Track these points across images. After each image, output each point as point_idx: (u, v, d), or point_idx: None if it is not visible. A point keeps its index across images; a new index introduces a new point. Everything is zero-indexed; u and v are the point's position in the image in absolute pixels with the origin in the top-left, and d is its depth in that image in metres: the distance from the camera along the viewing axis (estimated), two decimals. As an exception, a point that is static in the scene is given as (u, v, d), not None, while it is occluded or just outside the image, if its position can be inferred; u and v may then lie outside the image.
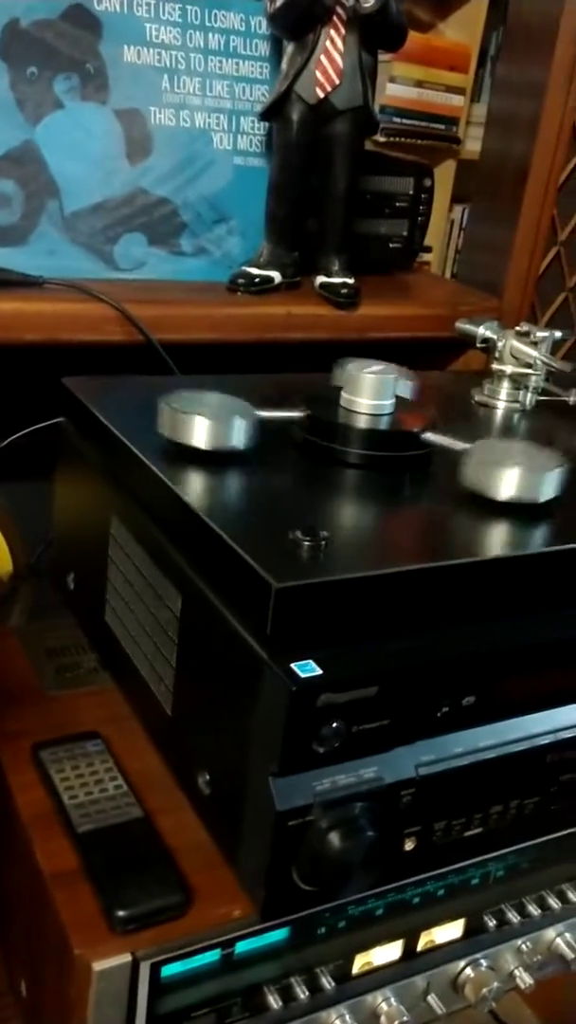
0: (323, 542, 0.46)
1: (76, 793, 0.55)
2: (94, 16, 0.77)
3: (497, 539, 0.52)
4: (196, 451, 0.55)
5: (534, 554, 0.51)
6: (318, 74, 0.78)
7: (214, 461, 0.55)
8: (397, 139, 2.11)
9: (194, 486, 0.53)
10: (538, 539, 0.52)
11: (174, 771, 0.56)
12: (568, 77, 0.90)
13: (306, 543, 0.45)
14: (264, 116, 0.82)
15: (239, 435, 0.55)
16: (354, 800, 0.47)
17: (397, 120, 2.09)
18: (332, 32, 0.77)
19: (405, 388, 0.66)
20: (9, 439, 0.76)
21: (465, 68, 2.17)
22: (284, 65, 0.80)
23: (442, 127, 2.18)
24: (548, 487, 0.52)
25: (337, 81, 0.78)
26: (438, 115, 2.16)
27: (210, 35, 0.82)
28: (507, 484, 0.52)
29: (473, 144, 2.14)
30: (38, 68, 0.76)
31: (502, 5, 1.89)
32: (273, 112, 0.81)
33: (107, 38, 0.78)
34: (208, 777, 0.51)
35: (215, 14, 0.82)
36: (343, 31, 0.77)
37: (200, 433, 0.54)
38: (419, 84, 2.10)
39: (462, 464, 0.54)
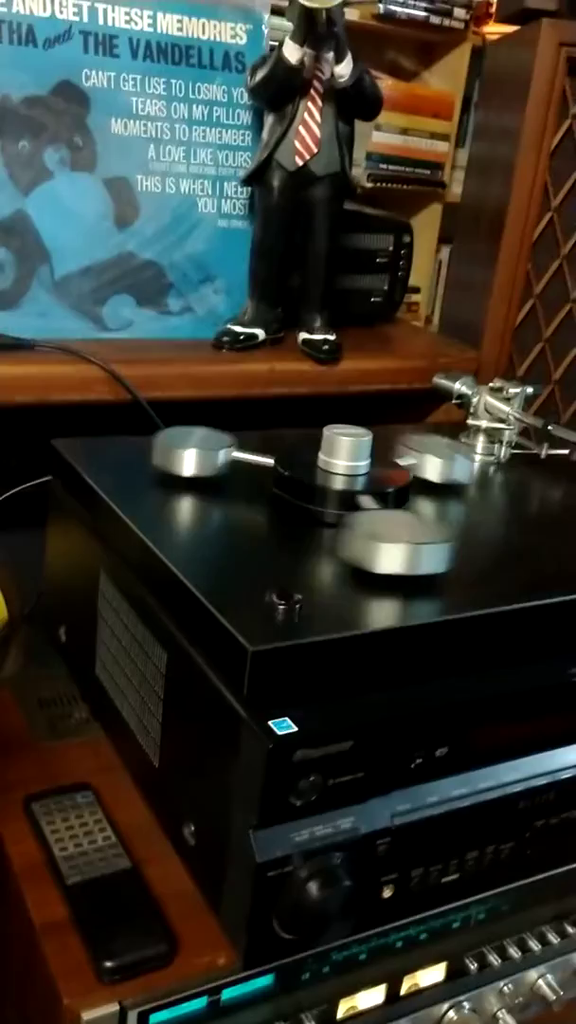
0: (297, 605, 0.48)
1: (66, 845, 0.57)
2: (82, 91, 0.81)
3: (460, 600, 0.54)
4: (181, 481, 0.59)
5: (496, 612, 0.53)
6: (297, 143, 0.82)
7: (196, 488, 0.58)
8: (383, 185, 2.15)
9: (175, 547, 0.56)
10: (498, 599, 0.54)
11: (161, 821, 0.58)
12: (541, 123, 0.93)
13: (280, 606, 0.47)
14: (246, 182, 0.86)
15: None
16: (331, 850, 0.49)
17: (383, 166, 2.14)
18: (310, 104, 0.81)
19: (463, 468, 0.68)
20: (1, 497, 0.78)
21: (449, 115, 2.22)
22: (265, 135, 0.84)
23: (427, 172, 2.23)
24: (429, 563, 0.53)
25: (315, 149, 0.82)
26: (423, 160, 2.21)
27: (194, 106, 0.86)
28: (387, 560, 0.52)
29: (458, 187, 2.19)
30: (29, 141, 0.80)
31: (484, 54, 1.95)
32: (255, 178, 0.85)
33: (95, 111, 0.82)
34: (193, 828, 0.53)
35: (198, 87, 0.86)
36: (320, 103, 0.81)
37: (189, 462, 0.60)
38: (404, 131, 2.16)
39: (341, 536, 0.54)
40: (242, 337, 0.87)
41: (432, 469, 0.66)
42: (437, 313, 2.31)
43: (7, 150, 0.79)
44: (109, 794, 0.64)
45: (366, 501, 0.58)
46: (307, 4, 0.73)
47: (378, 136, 2.10)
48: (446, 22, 2.10)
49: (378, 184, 2.13)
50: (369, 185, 2.11)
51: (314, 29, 0.77)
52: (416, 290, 2.34)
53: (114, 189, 0.84)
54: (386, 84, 2.14)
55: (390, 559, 0.51)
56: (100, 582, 0.64)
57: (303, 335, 0.89)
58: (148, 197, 0.85)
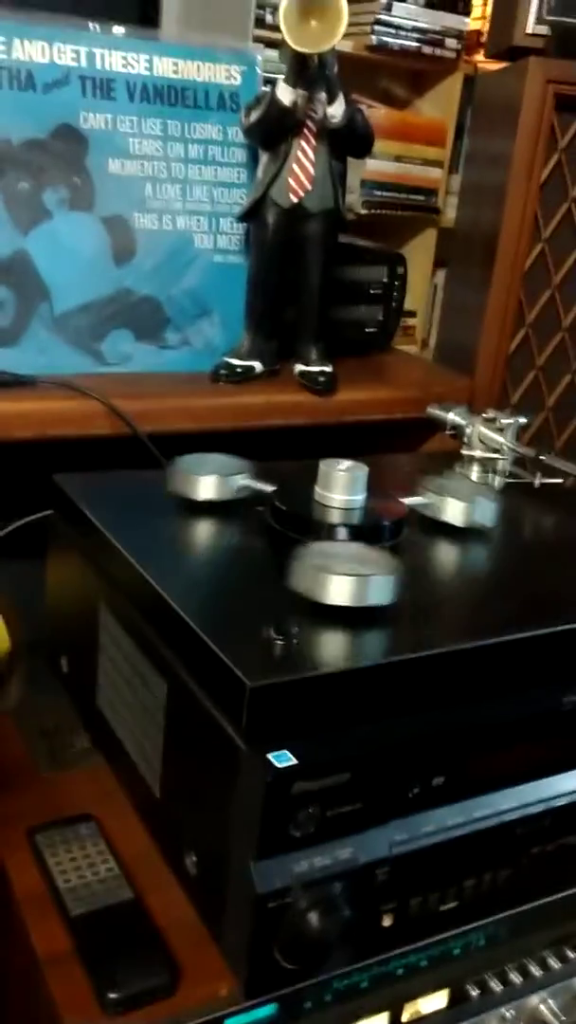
0: (294, 639, 0.49)
1: (69, 877, 0.58)
2: (81, 134, 0.83)
3: (456, 631, 0.55)
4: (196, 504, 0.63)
5: (491, 644, 0.54)
6: (291, 181, 0.84)
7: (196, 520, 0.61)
8: (378, 211, 2.18)
9: (174, 581, 0.57)
10: (493, 629, 0.55)
11: (163, 851, 0.58)
12: (530, 156, 0.95)
13: (278, 641, 0.49)
14: (242, 218, 0.88)
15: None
16: (331, 880, 0.49)
17: (378, 193, 2.17)
18: (303, 143, 0.83)
19: (486, 511, 0.68)
20: (3, 531, 0.79)
21: (442, 142, 2.25)
22: (260, 173, 0.86)
23: (421, 198, 2.25)
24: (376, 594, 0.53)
25: (309, 187, 0.84)
26: (417, 187, 2.24)
27: (190, 145, 0.88)
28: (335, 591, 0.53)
29: (452, 212, 2.22)
30: (29, 182, 0.82)
31: (475, 82, 1.98)
32: (250, 215, 0.86)
33: (93, 152, 0.84)
34: (195, 858, 0.53)
35: (194, 126, 0.88)
36: (313, 142, 0.83)
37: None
38: (398, 159, 2.18)
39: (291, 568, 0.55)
40: (239, 370, 0.88)
41: (453, 512, 0.66)
42: (433, 336, 2.33)
43: (7, 191, 0.81)
44: (111, 824, 0.64)
45: (340, 533, 0.60)
46: (299, 49, 0.75)
47: (372, 164, 2.13)
48: (438, 52, 2.14)
49: (373, 211, 2.16)
50: (364, 212, 2.14)
51: (306, 72, 0.79)
52: (412, 314, 2.37)
53: (112, 227, 0.85)
54: (380, 113, 2.18)
55: (337, 591, 0.52)
56: (101, 614, 0.65)
57: (299, 367, 0.91)
58: (145, 234, 0.87)
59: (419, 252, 2.36)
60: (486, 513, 0.67)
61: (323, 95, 0.81)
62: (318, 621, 0.54)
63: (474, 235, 1.03)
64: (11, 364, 0.82)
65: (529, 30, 0.95)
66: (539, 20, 0.94)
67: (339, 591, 0.52)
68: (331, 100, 0.81)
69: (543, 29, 0.94)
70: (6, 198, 0.81)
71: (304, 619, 0.53)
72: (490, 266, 0.98)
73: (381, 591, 0.53)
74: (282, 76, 0.80)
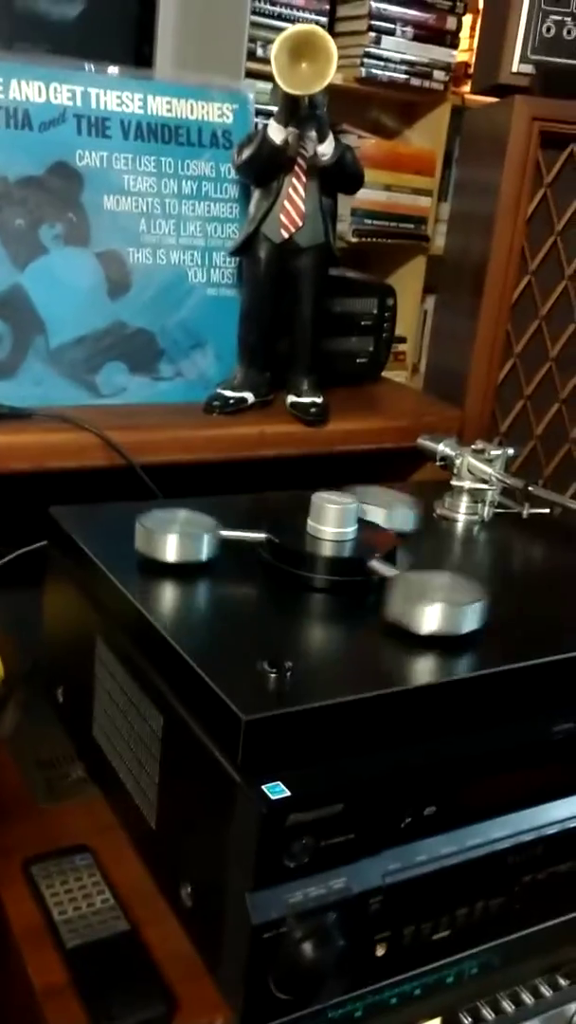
0: (287, 673, 0.50)
1: (65, 909, 0.58)
2: (76, 171, 0.85)
3: (447, 662, 0.56)
4: (167, 566, 0.61)
5: (482, 675, 0.55)
6: (282, 217, 0.85)
7: (185, 580, 0.60)
8: (369, 239, 2.21)
9: (169, 614, 0.58)
10: (484, 661, 0.57)
11: (158, 882, 0.59)
12: (517, 192, 0.97)
13: (272, 675, 0.49)
14: (234, 253, 0.90)
15: (206, 549, 0.62)
16: (325, 911, 0.50)
17: (368, 222, 2.20)
18: (294, 180, 0.85)
19: (406, 518, 0.72)
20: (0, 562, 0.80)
21: (431, 171, 2.29)
22: (252, 209, 0.87)
23: (411, 226, 2.29)
24: (470, 621, 0.57)
25: (300, 223, 0.86)
26: (407, 215, 2.27)
27: (183, 182, 0.90)
28: (429, 620, 0.56)
29: (442, 240, 2.25)
30: (25, 219, 0.83)
31: (463, 112, 2.01)
32: (243, 250, 0.88)
33: (88, 189, 0.85)
34: (190, 889, 0.54)
35: (187, 163, 0.90)
36: (304, 179, 0.85)
37: (170, 548, 0.61)
38: (387, 188, 2.22)
39: (386, 597, 0.57)
40: (232, 401, 0.90)
41: (376, 517, 0.70)
42: (424, 361, 2.35)
43: (4, 228, 0.82)
44: (107, 855, 0.65)
45: (379, 566, 0.61)
46: (289, 91, 0.77)
47: (362, 193, 2.15)
48: (426, 84, 2.18)
49: (363, 239, 2.19)
50: (354, 240, 2.17)
51: (297, 111, 0.81)
52: (402, 340, 2.39)
53: (107, 262, 0.87)
54: (370, 143, 2.21)
55: (431, 619, 0.55)
56: (96, 646, 0.65)
57: (291, 398, 0.92)
58: (140, 269, 0.88)
59: (409, 279, 2.39)
60: (406, 519, 0.71)
61: (313, 134, 0.83)
62: (317, 653, 0.55)
63: (463, 263, 1.05)
64: (7, 396, 0.83)
65: (514, 69, 0.97)
66: (523, 59, 0.97)
67: (432, 620, 0.55)
68: (321, 139, 0.82)
69: (528, 68, 0.96)
70: (3, 234, 0.82)
71: (304, 651, 0.54)
72: (478, 294, 1.00)
73: (474, 617, 0.57)
74: (273, 115, 0.82)
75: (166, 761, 0.56)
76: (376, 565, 0.61)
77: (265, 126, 0.83)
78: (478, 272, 1.00)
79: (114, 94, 0.86)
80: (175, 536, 0.62)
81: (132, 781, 0.61)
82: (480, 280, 0.99)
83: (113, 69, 0.86)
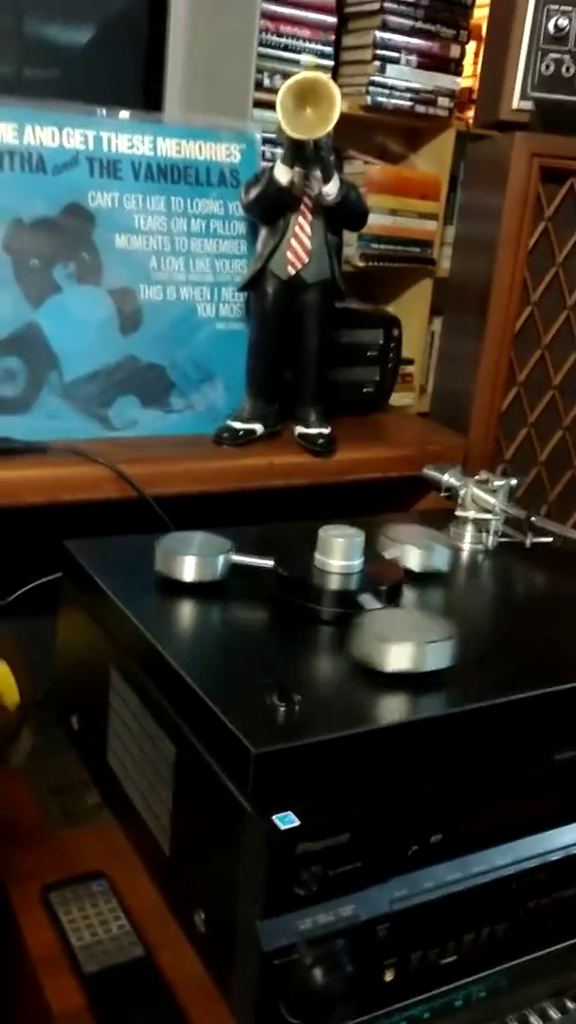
0: (296, 706, 0.52)
1: (83, 935, 0.60)
2: (88, 211, 0.87)
3: (451, 694, 0.58)
4: (183, 586, 0.64)
5: (486, 706, 0.57)
6: (289, 254, 0.88)
7: (198, 594, 0.63)
8: (375, 263, 2.23)
9: (181, 647, 0.60)
10: (487, 691, 0.58)
11: (172, 908, 0.60)
12: (518, 225, 1.00)
13: (281, 708, 0.51)
14: (242, 289, 0.92)
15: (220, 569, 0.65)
16: (334, 937, 0.51)
17: (375, 246, 2.22)
18: (300, 218, 0.87)
19: (442, 557, 0.73)
20: (15, 594, 0.82)
21: (436, 196, 2.31)
22: (259, 246, 0.90)
23: (417, 250, 2.30)
24: (435, 660, 0.57)
25: (306, 260, 0.88)
26: (413, 239, 2.29)
27: (192, 220, 0.92)
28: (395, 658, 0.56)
29: (447, 263, 2.26)
30: (39, 258, 0.86)
31: (468, 138, 2.04)
32: (250, 285, 0.91)
33: (100, 229, 0.88)
34: (203, 916, 0.56)
35: (196, 202, 0.92)
36: (310, 217, 0.87)
37: (188, 568, 0.64)
38: (393, 212, 2.24)
39: (350, 636, 0.58)
40: (241, 433, 0.92)
41: (413, 559, 0.70)
42: (431, 382, 2.37)
43: (19, 268, 0.85)
44: (122, 881, 0.66)
45: (367, 600, 0.62)
46: (295, 135, 0.79)
47: (369, 217, 2.18)
48: (431, 110, 2.20)
49: (370, 263, 2.21)
50: (361, 264, 2.19)
51: (302, 153, 0.83)
52: (410, 361, 2.41)
53: (119, 299, 0.89)
54: (375, 168, 2.24)
55: (398, 658, 0.55)
56: (111, 675, 0.67)
57: (299, 429, 0.94)
58: (151, 305, 0.91)
59: (416, 301, 2.41)
60: (442, 559, 0.72)
61: (319, 174, 0.85)
62: (325, 685, 0.57)
63: (467, 286, 1.07)
64: (23, 430, 0.85)
65: (515, 105, 0.99)
66: (523, 96, 0.99)
67: (399, 659, 0.56)
68: (326, 179, 0.85)
69: (528, 104, 0.99)
70: (18, 274, 0.85)
71: (312, 683, 0.56)
72: (483, 315, 1.02)
73: (442, 656, 0.57)
74: (279, 157, 0.85)
75: (179, 790, 0.58)
76: (366, 600, 0.63)
77: (271, 166, 0.86)
78: (482, 294, 1.02)
79: (125, 137, 0.88)
80: (193, 557, 0.66)
81: (146, 808, 0.63)
82: (484, 302, 1.01)
83: (124, 113, 0.88)
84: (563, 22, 0.97)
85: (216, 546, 0.68)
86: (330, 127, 0.79)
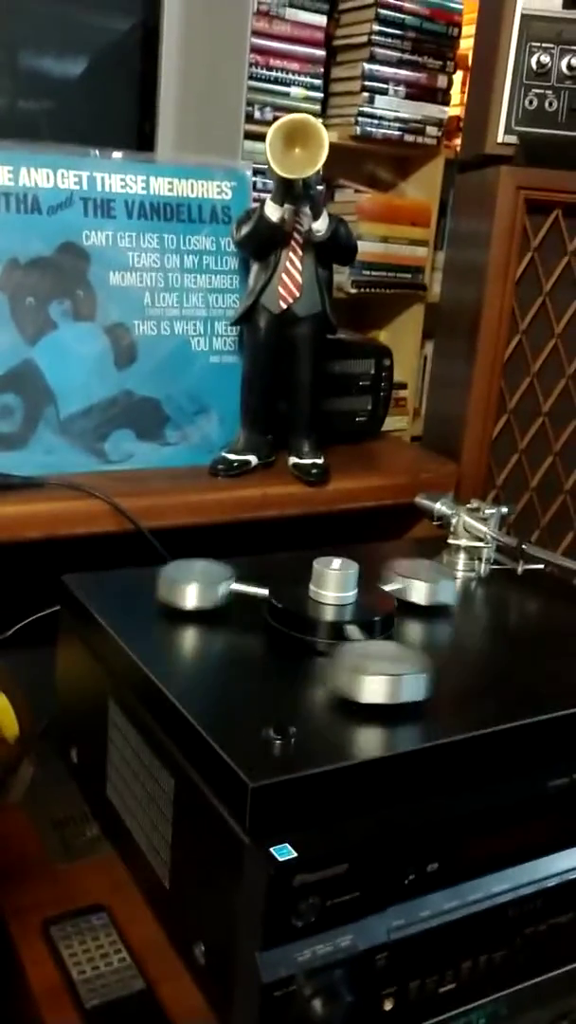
0: (292, 739, 0.53)
1: (84, 968, 0.60)
2: (83, 250, 0.89)
3: (445, 723, 0.59)
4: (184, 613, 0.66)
5: (479, 735, 0.58)
6: (281, 289, 0.89)
7: (198, 621, 0.64)
8: (367, 290, 2.26)
9: (178, 680, 0.61)
10: (481, 720, 0.59)
11: (172, 941, 0.61)
12: (505, 257, 1.01)
13: (277, 741, 0.52)
14: (235, 323, 0.94)
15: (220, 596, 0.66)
16: (333, 968, 0.52)
17: (367, 273, 2.25)
18: (291, 254, 0.89)
19: (448, 591, 0.74)
20: (14, 628, 0.83)
21: (426, 222, 2.34)
22: (251, 281, 0.92)
23: (408, 276, 2.34)
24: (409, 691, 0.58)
25: (297, 294, 0.90)
26: (404, 265, 2.32)
27: (185, 256, 0.94)
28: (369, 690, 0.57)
29: (439, 288, 2.29)
30: (35, 297, 0.87)
31: (456, 166, 2.08)
32: (243, 320, 0.92)
33: (95, 267, 0.89)
34: (203, 948, 0.56)
35: (189, 239, 0.94)
36: (300, 252, 0.89)
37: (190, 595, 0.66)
38: (384, 240, 2.27)
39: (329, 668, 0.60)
40: (236, 464, 0.93)
41: (418, 593, 0.71)
42: (424, 406, 2.40)
43: (15, 306, 0.86)
44: (123, 914, 0.67)
45: (352, 632, 0.63)
46: (284, 175, 0.81)
47: (360, 245, 2.20)
48: (419, 139, 2.24)
49: (362, 290, 2.24)
50: (353, 291, 2.22)
51: (292, 191, 0.85)
52: (403, 386, 2.44)
53: (114, 335, 0.91)
54: (366, 196, 2.27)
55: (372, 690, 0.56)
56: (109, 708, 0.68)
57: (293, 459, 0.95)
58: (145, 340, 0.92)
59: (408, 326, 2.44)
60: (448, 592, 0.73)
61: (308, 210, 0.87)
62: (320, 716, 0.58)
63: (457, 312, 1.09)
64: (20, 465, 0.86)
65: (499, 139, 1.01)
66: (508, 130, 1.01)
67: (374, 691, 0.56)
68: (316, 216, 0.87)
69: (512, 138, 1.01)
70: (14, 312, 0.86)
71: (307, 715, 0.57)
72: (473, 341, 1.04)
73: (415, 688, 0.57)
74: (270, 195, 0.86)
75: (178, 822, 0.59)
76: (351, 631, 0.64)
77: (262, 204, 0.87)
78: (472, 320, 1.04)
79: (118, 177, 0.90)
80: (195, 584, 0.68)
81: (146, 841, 0.63)
82: (474, 327, 1.03)
83: (117, 153, 0.90)
84: (545, 59, 0.99)
85: (217, 574, 0.69)
86: (318, 167, 0.81)
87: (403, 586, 0.72)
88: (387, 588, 0.72)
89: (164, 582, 0.69)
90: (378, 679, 0.56)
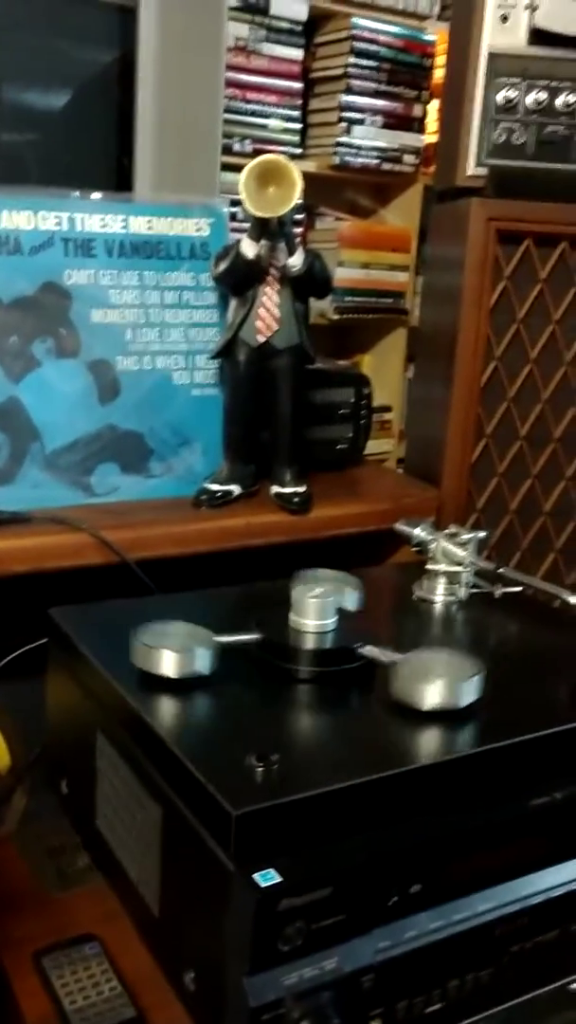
0: (274, 766, 0.54)
1: (75, 998, 0.61)
2: (65, 289, 0.91)
3: (427, 745, 0.60)
4: (165, 679, 0.64)
5: (460, 756, 0.59)
6: (259, 323, 0.92)
7: (180, 687, 0.64)
8: (350, 315, 2.29)
9: (162, 712, 0.62)
10: (462, 742, 0.60)
11: (163, 969, 0.62)
12: (479, 286, 1.04)
13: (259, 769, 0.53)
14: (215, 356, 0.96)
15: (202, 663, 0.64)
16: (319, 990, 0.53)
17: (348, 299, 2.28)
18: (268, 288, 0.91)
19: (352, 599, 0.75)
20: (3, 661, 0.84)
21: (407, 248, 2.38)
22: (230, 315, 0.94)
23: (390, 301, 2.37)
24: (468, 695, 0.61)
25: (275, 327, 0.92)
26: (385, 291, 2.35)
27: (165, 292, 0.96)
28: (431, 695, 0.61)
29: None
30: (19, 336, 0.89)
31: (432, 194, 2.11)
32: (223, 353, 0.94)
33: (77, 305, 0.91)
34: (193, 975, 0.57)
35: (168, 275, 0.96)
36: (277, 286, 0.91)
37: (168, 663, 0.63)
38: (365, 266, 2.30)
39: (391, 678, 0.62)
40: (219, 494, 0.95)
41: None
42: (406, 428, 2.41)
43: (0, 346, 0.88)
44: (114, 943, 0.68)
45: (372, 651, 0.65)
46: (258, 214, 0.84)
47: (342, 272, 2.25)
48: (397, 167, 2.28)
49: (344, 315, 2.27)
50: (336, 317, 2.25)
51: (267, 228, 0.87)
52: (388, 409, 2.46)
53: (97, 371, 0.93)
54: (346, 224, 2.31)
55: (434, 695, 0.61)
56: (97, 739, 0.69)
57: (275, 488, 0.97)
58: (128, 375, 0.94)
59: (391, 350, 2.47)
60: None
61: (283, 246, 0.89)
62: (303, 743, 0.59)
63: (436, 336, 1.11)
64: (7, 501, 0.88)
65: (470, 172, 1.04)
66: (478, 163, 1.04)
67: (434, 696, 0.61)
68: (291, 252, 0.89)
69: (483, 171, 1.04)
70: (-1, 351, 0.88)
71: (290, 742, 0.58)
72: (451, 365, 1.06)
73: (473, 691, 0.62)
74: (246, 232, 0.89)
75: (166, 851, 0.60)
76: (370, 651, 0.65)
77: (239, 241, 0.90)
78: (450, 343, 1.06)
79: (98, 217, 0.92)
80: (173, 653, 0.63)
81: (135, 870, 0.64)
82: (452, 351, 1.05)
83: (96, 194, 0.92)
84: (512, 94, 1.02)
85: (197, 637, 0.66)
86: (291, 205, 0.83)
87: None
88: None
89: (141, 651, 0.65)
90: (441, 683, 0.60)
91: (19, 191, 0.89)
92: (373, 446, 1.13)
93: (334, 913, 0.54)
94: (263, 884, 0.51)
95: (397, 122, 2.25)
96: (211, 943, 0.54)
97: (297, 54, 2.09)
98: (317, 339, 0.97)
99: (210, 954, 0.55)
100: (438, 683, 0.61)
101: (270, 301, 0.91)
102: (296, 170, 0.83)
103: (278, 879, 0.51)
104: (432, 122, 2.36)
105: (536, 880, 0.63)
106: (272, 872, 0.51)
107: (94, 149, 1.17)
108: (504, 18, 1.01)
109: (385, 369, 2.46)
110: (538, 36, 1.01)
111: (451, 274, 1.06)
